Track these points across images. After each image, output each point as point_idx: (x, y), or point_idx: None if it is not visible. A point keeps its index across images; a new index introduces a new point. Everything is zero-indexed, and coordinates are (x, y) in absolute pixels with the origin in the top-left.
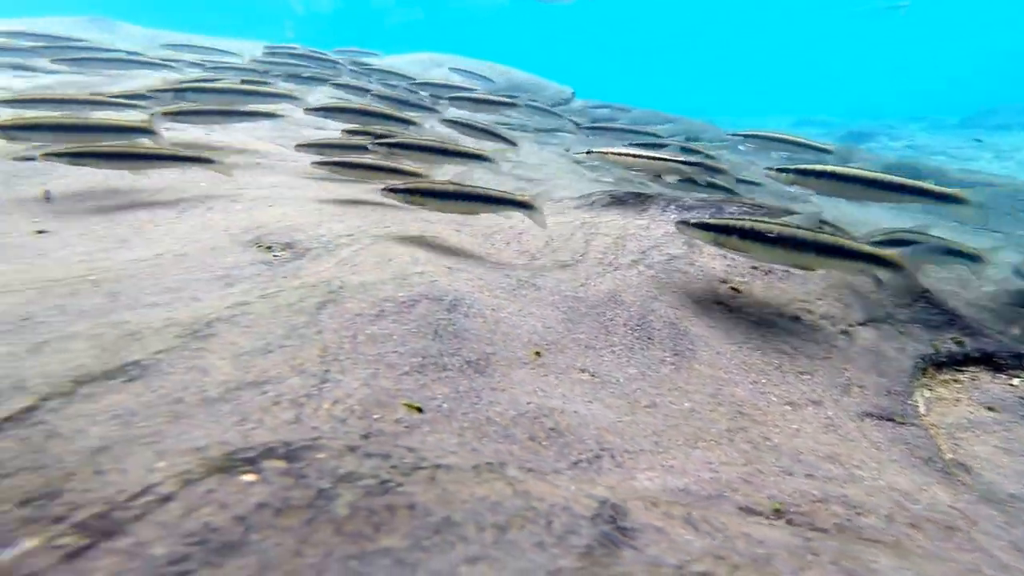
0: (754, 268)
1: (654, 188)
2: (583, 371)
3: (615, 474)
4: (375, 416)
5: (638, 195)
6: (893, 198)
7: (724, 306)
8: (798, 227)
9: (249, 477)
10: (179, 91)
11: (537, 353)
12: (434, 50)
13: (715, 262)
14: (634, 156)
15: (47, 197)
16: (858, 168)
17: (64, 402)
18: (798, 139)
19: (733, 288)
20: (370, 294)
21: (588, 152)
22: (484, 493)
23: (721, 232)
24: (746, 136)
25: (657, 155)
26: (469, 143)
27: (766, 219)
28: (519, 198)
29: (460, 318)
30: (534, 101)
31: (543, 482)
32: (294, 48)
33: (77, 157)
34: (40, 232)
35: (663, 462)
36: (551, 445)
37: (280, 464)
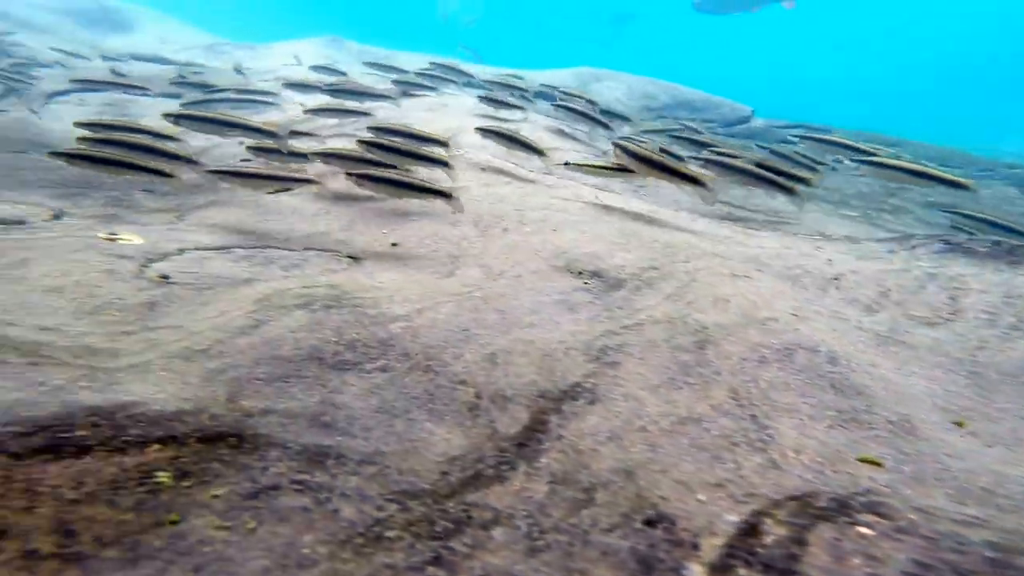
0: None
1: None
2: None
3: None
4: (847, 470)
5: (996, 243)
6: (914, 181)
7: None
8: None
9: (864, 530)
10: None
11: (959, 423)
12: (596, 65)
13: None
14: (606, 168)
15: (485, 220)
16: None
17: (561, 419)
18: (849, 142)
19: None
20: (739, 337)
21: (566, 164)
22: None
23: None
24: (802, 137)
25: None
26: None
27: None
28: (443, 189)
29: (848, 372)
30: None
31: None
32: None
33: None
34: (394, 245)
35: None
36: None
37: (880, 520)
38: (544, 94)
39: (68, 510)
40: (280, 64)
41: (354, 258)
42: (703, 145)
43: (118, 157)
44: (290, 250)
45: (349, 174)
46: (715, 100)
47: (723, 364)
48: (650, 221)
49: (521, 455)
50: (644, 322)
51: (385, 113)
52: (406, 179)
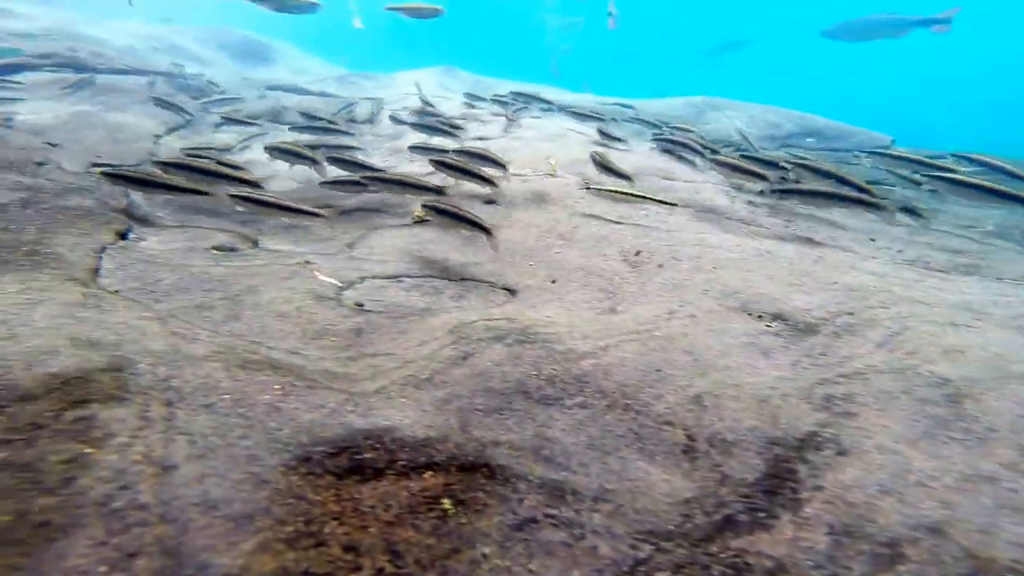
0: None
1: None
2: None
3: None
4: None
5: None
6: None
7: None
8: None
9: None
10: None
11: None
12: (711, 94)
13: None
14: (622, 193)
15: (635, 254)
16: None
17: (812, 469)
18: (918, 157)
19: None
20: (1002, 392)
21: (587, 187)
22: None
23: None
24: (869, 153)
25: (638, 192)
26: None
27: None
28: (487, 224)
29: None
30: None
31: None
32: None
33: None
34: (553, 282)
35: None
36: None
37: None
38: (653, 123)
39: (388, 531)
40: (404, 93)
41: (509, 290)
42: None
43: (147, 177)
44: (449, 280)
45: (424, 206)
46: (848, 128)
47: (995, 420)
48: (817, 260)
49: (777, 503)
50: (865, 372)
51: (502, 144)
52: (459, 212)
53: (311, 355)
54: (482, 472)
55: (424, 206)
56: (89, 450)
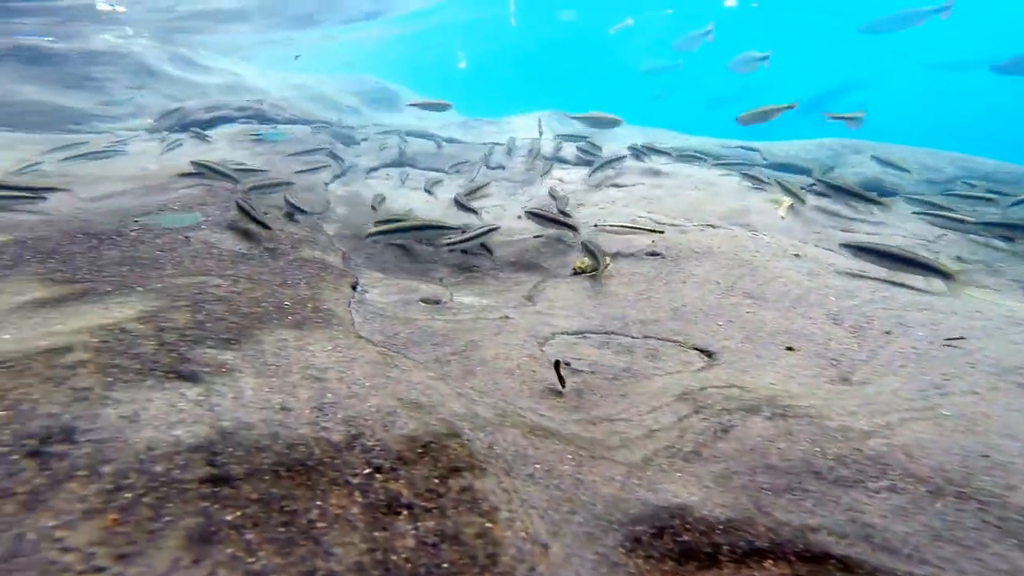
0: None
1: None
2: None
3: None
4: None
5: None
6: None
7: None
8: None
9: None
10: None
11: None
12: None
13: None
14: (625, 227)
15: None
16: None
17: None
18: None
19: None
20: None
21: (595, 225)
22: None
23: None
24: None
25: (642, 226)
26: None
27: None
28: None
29: None
30: None
31: None
32: None
33: None
34: (790, 349)
35: None
36: None
37: None
38: (788, 166)
39: None
40: (522, 137)
41: (703, 351)
42: None
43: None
44: (632, 337)
45: (583, 244)
46: None
47: None
48: None
49: None
50: None
51: (641, 192)
52: (596, 252)
53: (553, 416)
54: (832, 564)
55: (583, 243)
56: (489, 524)
